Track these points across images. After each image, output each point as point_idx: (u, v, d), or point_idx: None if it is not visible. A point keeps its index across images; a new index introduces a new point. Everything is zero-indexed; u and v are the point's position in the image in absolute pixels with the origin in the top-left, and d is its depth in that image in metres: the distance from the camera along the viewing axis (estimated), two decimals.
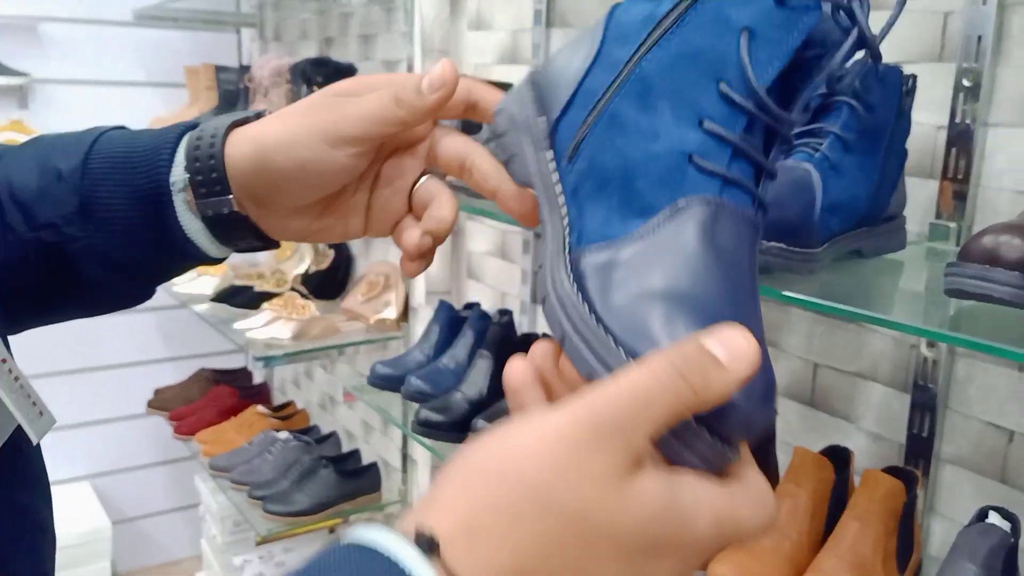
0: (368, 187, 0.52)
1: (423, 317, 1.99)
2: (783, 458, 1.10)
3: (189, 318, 2.71)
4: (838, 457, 0.94)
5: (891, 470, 0.89)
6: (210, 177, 0.50)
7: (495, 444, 0.32)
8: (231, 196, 0.50)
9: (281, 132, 0.49)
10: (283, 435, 2.19)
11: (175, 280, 2.36)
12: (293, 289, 2.18)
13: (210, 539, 2.39)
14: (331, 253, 2.31)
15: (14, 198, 0.52)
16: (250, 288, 2.20)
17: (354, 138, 0.48)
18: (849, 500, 0.87)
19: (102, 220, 0.51)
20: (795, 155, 0.80)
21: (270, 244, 0.54)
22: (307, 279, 2.27)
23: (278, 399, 2.62)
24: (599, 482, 0.31)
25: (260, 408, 2.39)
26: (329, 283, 2.26)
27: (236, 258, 2.79)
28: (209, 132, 0.51)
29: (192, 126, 0.52)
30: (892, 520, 0.84)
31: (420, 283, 1.96)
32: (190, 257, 0.53)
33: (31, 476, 0.52)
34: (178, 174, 0.50)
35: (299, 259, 2.44)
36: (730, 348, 0.32)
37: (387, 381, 1.43)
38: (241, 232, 0.52)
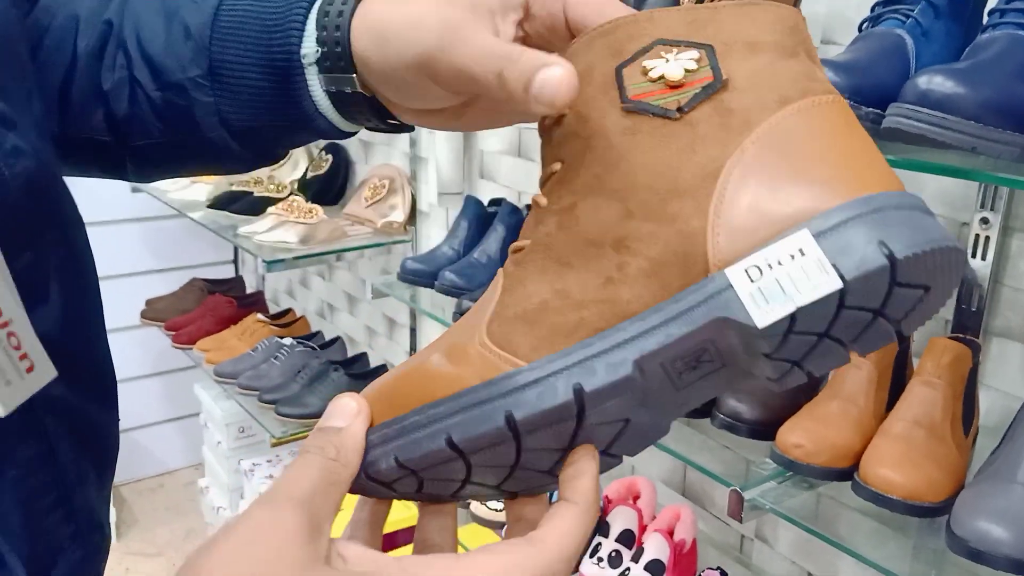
0: None
1: (433, 219, 1.98)
2: None
3: (176, 227, 2.66)
4: None
5: (952, 339, 0.92)
6: (335, 51, 0.46)
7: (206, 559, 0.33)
8: (353, 75, 0.46)
9: (397, 31, 0.43)
10: (287, 341, 2.18)
11: (166, 187, 2.31)
12: (292, 194, 2.14)
13: (213, 446, 2.39)
14: (329, 158, 2.26)
15: (142, 51, 0.50)
16: (249, 194, 2.15)
17: (447, 82, 0.41)
18: (916, 367, 0.90)
19: (230, 86, 0.48)
20: (884, 22, 0.80)
21: (402, 128, 0.50)
22: (305, 184, 2.23)
23: (273, 309, 2.60)
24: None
25: (260, 316, 2.37)
26: (328, 188, 2.23)
27: None
28: (340, 1, 0.46)
29: None
30: (959, 384, 0.88)
31: (430, 185, 1.94)
32: (319, 131, 0.50)
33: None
34: (309, 46, 0.47)
35: (293, 165, 2.40)
36: (343, 412, 0.36)
37: (418, 276, 1.42)
38: (367, 114, 0.49)
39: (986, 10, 0.82)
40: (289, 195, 2.13)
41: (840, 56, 0.78)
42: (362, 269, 2.27)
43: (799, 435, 0.89)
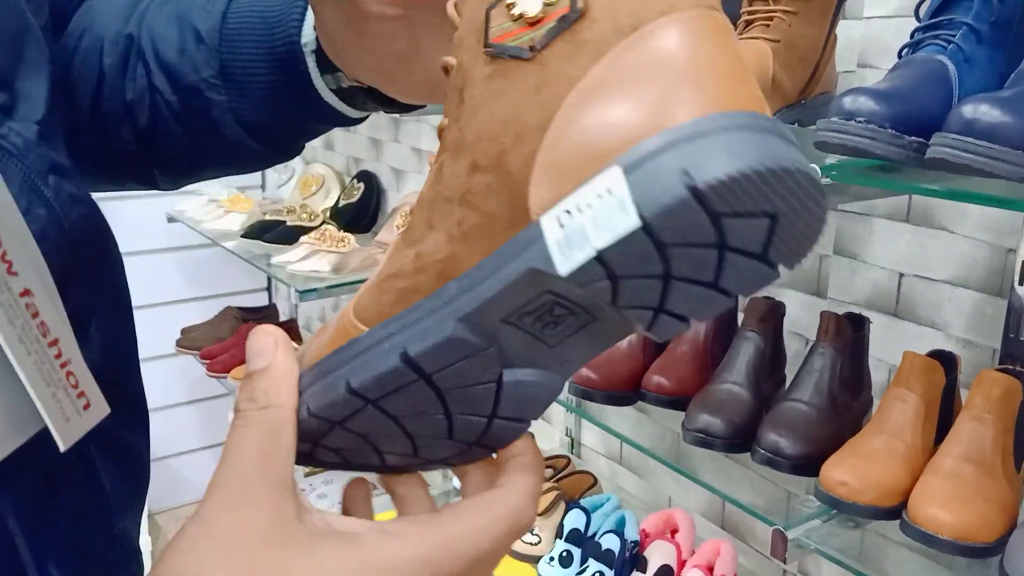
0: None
1: None
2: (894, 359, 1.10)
3: (211, 256, 2.68)
4: (944, 361, 0.94)
5: (1001, 371, 0.89)
6: None
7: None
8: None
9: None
10: None
11: (200, 217, 2.33)
12: (325, 223, 2.15)
13: None
14: (361, 186, 2.28)
15: (159, 59, 0.51)
16: (281, 223, 2.16)
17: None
18: (965, 401, 0.87)
19: (241, 83, 0.50)
20: (925, 48, 0.78)
21: (402, 108, 0.51)
22: (337, 213, 2.24)
23: (306, 336, 2.61)
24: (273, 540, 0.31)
25: (294, 344, 2.38)
26: (360, 216, 2.24)
27: (260, 194, 2.75)
28: None
29: None
30: (1010, 419, 0.85)
31: None
32: (329, 119, 0.52)
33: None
34: (308, 34, 0.48)
35: (325, 194, 2.41)
36: (262, 350, 0.35)
37: None
38: (363, 96, 0.50)
39: None
40: (321, 224, 2.13)
41: (880, 83, 0.76)
42: None
43: (844, 472, 0.86)
